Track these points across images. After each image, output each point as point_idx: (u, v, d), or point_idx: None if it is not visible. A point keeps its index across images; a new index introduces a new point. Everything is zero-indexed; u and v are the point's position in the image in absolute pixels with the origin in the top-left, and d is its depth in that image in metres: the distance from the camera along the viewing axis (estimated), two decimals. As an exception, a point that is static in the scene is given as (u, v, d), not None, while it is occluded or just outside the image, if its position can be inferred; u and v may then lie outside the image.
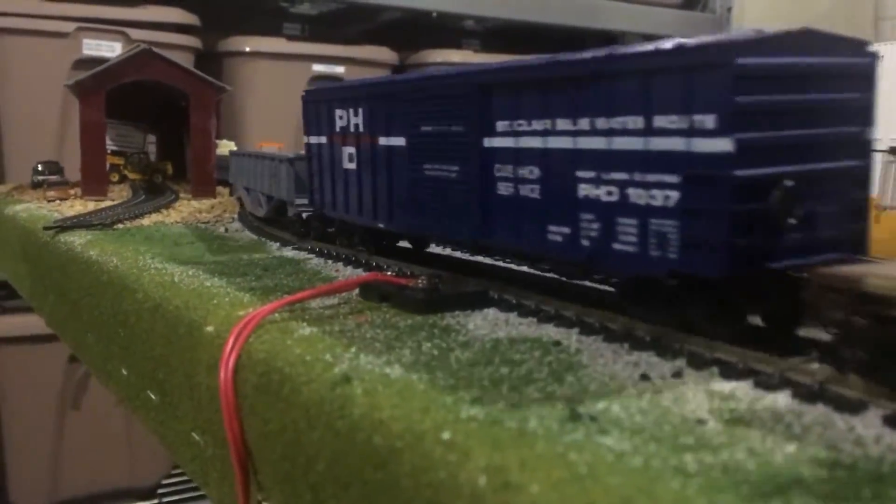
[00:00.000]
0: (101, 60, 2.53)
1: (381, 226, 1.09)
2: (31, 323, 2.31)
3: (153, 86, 2.15)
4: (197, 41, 3.05)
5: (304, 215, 1.30)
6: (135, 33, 2.86)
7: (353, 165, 1.14)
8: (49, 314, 1.48)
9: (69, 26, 2.80)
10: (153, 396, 0.99)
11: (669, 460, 0.49)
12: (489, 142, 0.89)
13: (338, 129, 1.17)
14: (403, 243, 1.21)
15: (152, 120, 2.59)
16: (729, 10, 4.01)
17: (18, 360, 2.67)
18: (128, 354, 1.06)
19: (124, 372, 1.08)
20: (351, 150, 1.14)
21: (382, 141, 1.07)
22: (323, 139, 1.22)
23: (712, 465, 0.49)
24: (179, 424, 0.91)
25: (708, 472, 0.48)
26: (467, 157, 0.92)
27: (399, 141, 1.04)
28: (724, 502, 0.44)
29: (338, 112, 1.17)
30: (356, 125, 1.12)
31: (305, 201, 1.29)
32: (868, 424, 0.55)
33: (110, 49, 2.87)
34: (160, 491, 2.85)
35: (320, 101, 1.23)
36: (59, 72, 2.71)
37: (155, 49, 2.68)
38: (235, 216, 1.66)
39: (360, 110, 1.11)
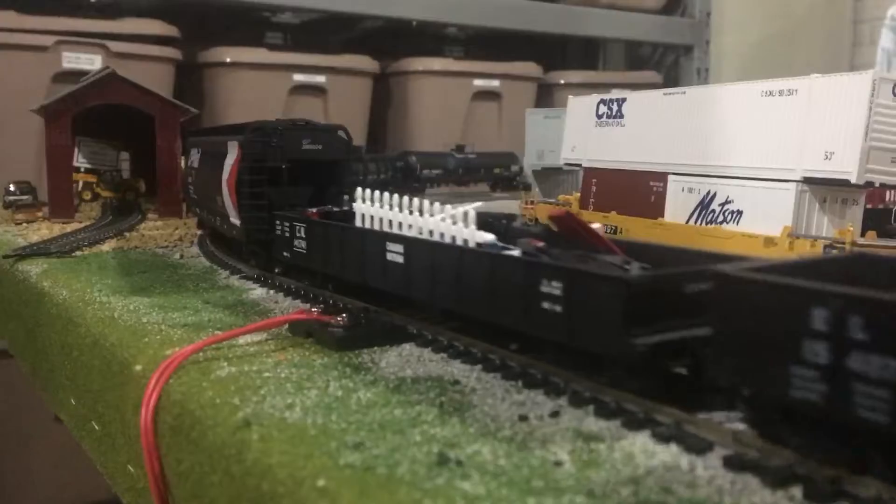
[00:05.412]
0: (81, 73, 2.57)
1: None
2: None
3: (125, 104, 2.19)
4: (177, 53, 3.09)
5: None
6: (115, 46, 2.89)
7: None
8: (10, 340, 1.53)
9: (48, 40, 2.83)
10: (97, 427, 1.04)
11: (514, 505, 0.54)
12: None
13: None
14: None
15: (126, 137, 2.64)
16: (708, 15, 4.06)
17: (6, 374, 2.71)
18: (74, 386, 1.11)
19: (73, 402, 1.13)
20: None
21: None
22: None
23: (550, 510, 0.54)
24: (117, 456, 0.96)
25: (543, 518, 0.53)
26: None
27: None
28: (544, 549, 0.49)
29: None
30: None
31: None
32: (708, 466, 0.60)
33: (90, 62, 2.90)
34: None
35: None
36: (38, 85, 2.74)
37: (133, 62, 2.72)
38: (195, 240, 1.71)
39: None
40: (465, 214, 0.89)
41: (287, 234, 1.18)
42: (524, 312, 0.78)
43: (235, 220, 1.32)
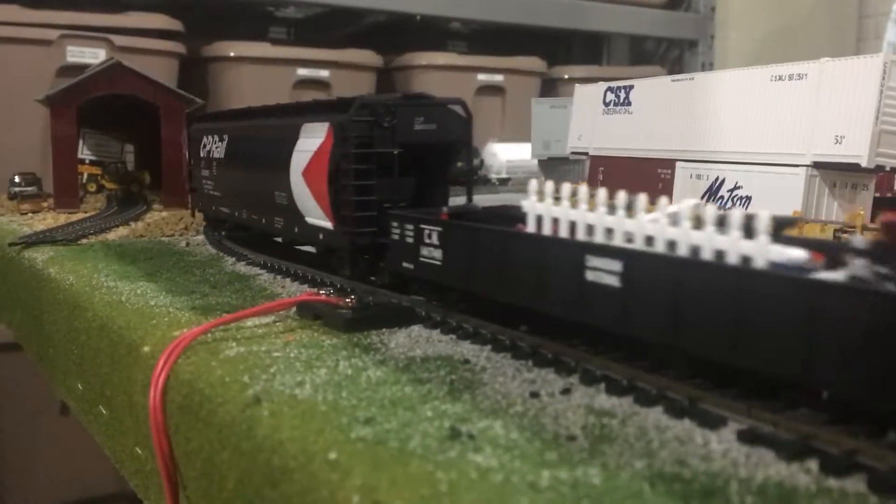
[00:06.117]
0: (85, 67, 2.57)
1: None
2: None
3: (130, 96, 2.19)
4: (181, 47, 3.08)
5: None
6: (119, 40, 2.89)
7: None
8: (17, 328, 1.53)
9: (53, 34, 2.83)
10: (104, 411, 1.04)
11: (528, 476, 0.54)
12: None
13: None
14: None
15: (131, 130, 2.64)
16: (713, 9, 4.05)
17: (6, 367, 2.71)
18: (81, 371, 1.11)
19: (80, 387, 1.13)
20: None
21: None
22: None
23: (564, 480, 0.53)
24: (125, 439, 0.96)
25: (558, 488, 0.52)
26: None
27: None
28: (560, 517, 0.48)
29: None
30: None
31: None
32: (722, 440, 0.60)
33: (94, 56, 2.89)
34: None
35: None
36: (43, 79, 2.74)
37: (137, 55, 2.72)
38: (200, 229, 1.71)
39: None
40: (749, 218, 0.61)
41: (410, 241, 0.94)
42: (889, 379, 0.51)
43: (323, 222, 1.09)
